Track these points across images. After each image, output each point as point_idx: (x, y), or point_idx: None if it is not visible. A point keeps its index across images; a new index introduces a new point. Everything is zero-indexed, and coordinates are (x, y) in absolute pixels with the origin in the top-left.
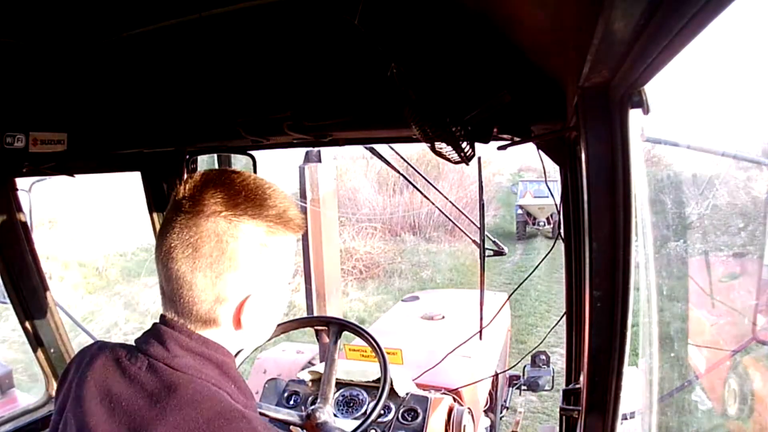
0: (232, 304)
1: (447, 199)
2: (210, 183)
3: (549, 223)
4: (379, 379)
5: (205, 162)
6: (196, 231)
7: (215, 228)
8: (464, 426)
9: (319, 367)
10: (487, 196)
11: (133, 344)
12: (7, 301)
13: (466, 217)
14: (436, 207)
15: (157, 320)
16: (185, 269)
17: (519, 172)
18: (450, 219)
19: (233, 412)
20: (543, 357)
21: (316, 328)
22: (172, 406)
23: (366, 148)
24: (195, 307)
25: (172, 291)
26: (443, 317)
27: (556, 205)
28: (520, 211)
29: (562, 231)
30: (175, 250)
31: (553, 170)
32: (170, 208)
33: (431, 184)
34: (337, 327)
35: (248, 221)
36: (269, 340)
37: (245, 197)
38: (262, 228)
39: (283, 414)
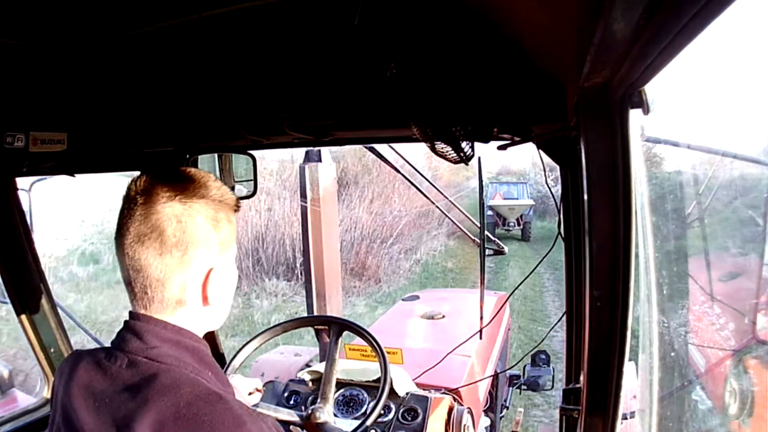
0: (198, 280)
1: (447, 199)
2: (158, 177)
3: (519, 225)
4: (379, 379)
5: (206, 162)
6: (157, 217)
7: (173, 211)
8: (464, 426)
9: (320, 367)
10: (460, 200)
11: (110, 346)
12: (7, 300)
13: (466, 216)
14: (437, 207)
15: (128, 318)
16: (153, 254)
17: (497, 176)
18: (450, 219)
19: (211, 395)
20: (543, 356)
21: (316, 327)
22: (152, 393)
23: (366, 147)
24: (165, 291)
25: (142, 280)
26: (443, 317)
27: (561, 200)
28: (489, 213)
29: (562, 231)
30: (141, 239)
31: (534, 170)
32: (124, 205)
33: (431, 184)
34: (338, 327)
35: (199, 200)
36: (268, 338)
37: (191, 183)
38: (210, 206)
39: (283, 414)
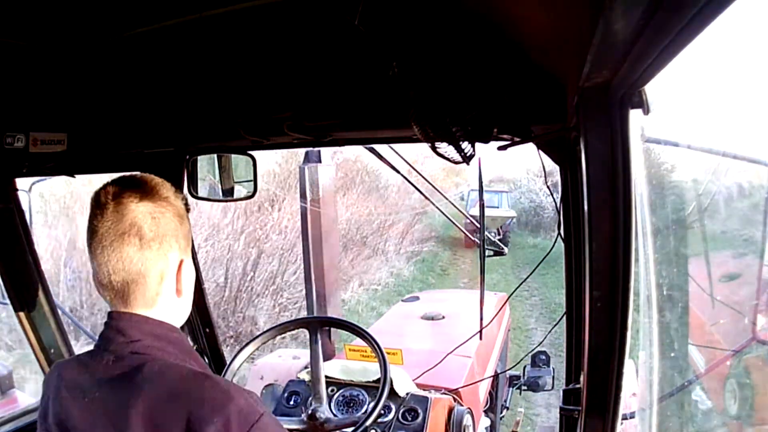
0: (172, 271)
1: (446, 198)
2: (124, 183)
3: (499, 234)
4: (379, 379)
5: (205, 162)
6: (133, 216)
7: (146, 209)
8: (464, 426)
9: None
10: (445, 206)
11: (93, 348)
12: (7, 301)
13: (467, 217)
14: (437, 208)
15: (107, 320)
16: (134, 249)
17: (490, 183)
18: (451, 220)
19: (198, 375)
20: (543, 357)
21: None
22: (141, 381)
23: (366, 148)
24: (146, 285)
25: (124, 275)
26: (443, 317)
27: (561, 201)
28: (469, 221)
29: (562, 231)
30: (122, 237)
31: (527, 176)
32: (96, 211)
33: (432, 185)
34: (317, 325)
35: (164, 200)
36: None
37: (153, 186)
38: (174, 204)
39: (284, 422)
